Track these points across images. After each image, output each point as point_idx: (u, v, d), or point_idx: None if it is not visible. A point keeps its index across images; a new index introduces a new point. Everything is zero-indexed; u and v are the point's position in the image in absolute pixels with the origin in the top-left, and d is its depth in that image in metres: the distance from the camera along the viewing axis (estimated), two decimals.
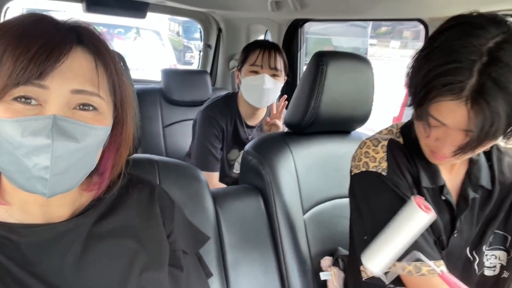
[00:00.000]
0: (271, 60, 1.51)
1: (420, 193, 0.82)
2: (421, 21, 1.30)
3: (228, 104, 1.62)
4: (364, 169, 0.83)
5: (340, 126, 1.21)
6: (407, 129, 0.87)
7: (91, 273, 0.63)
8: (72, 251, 0.63)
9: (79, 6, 2.16)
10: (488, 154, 0.86)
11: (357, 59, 1.15)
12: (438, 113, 0.69)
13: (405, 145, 0.85)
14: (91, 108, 0.57)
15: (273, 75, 1.53)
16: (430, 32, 1.28)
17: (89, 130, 0.56)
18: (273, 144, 1.12)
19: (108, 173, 0.68)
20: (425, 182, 0.82)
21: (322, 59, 1.07)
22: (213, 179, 1.53)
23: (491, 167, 0.84)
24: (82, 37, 0.58)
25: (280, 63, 1.54)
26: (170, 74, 2.22)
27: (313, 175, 1.14)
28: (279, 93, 1.58)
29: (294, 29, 2.01)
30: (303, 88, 1.11)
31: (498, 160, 0.85)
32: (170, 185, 0.89)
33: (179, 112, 2.20)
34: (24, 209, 0.61)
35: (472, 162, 0.84)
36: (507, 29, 0.65)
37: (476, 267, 0.82)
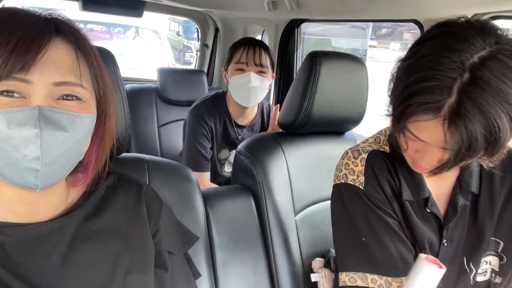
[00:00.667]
0: (255, 56, 1.50)
1: (402, 205, 0.80)
2: (416, 22, 1.30)
3: (217, 104, 1.60)
4: (343, 181, 0.83)
5: (334, 127, 1.21)
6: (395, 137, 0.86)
7: (75, 274, 0.63)
8: (57, 252, 0.62)
9: (76, 5, 2.15)
10: None
11: (351, 59, 1.14)
12: (415, 130, 0.65)
13: (390, 154, 0.82)
14: (74, 98, 0.57)
15: (259, 72, 1.52)
16: None
17: (75, 118, 0.56)
18: (266, 145, 1.11)
19: (92, 165, 0.67)
20: (407, 195, 0.79)
21: (315, 59, 1.06)
22: (204, 179, 1.52)
23: (480, 172, 0.82)
24: (60, 28, 0.57)
25: (266, 60, 1.53)
26: (166, 73, 2.21)
27: (306, 176, 1.13)
28: (267, 90, 1.57)
29: (291, 30, 2.01)
30: (297, 88, 1.10)
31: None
32: (160, 185, 0.88)
33: (174, 111, 2.19)
34: (10, 208, 0.60)
35: (463, 168, 0.81)
36: (494, 41, 0.60)
37: (471, 277, 0.81)
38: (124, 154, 0.91)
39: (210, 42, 2.56)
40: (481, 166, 0.82)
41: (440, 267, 0.68)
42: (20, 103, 0.52)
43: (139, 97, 2.12)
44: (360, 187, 0.80)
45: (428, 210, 0.79)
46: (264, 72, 1.53)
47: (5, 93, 0.51)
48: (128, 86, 2.16)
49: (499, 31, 0.62)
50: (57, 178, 0.58)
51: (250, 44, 1.52)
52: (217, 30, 2.48)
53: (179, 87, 2.19)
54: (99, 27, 6.24)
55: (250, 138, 1.17)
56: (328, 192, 1.18)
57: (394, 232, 0.77)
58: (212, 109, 1.59)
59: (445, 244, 0.80)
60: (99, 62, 0.63)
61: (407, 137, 0.69)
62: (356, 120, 1.20)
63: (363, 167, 0.81)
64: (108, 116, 0.67)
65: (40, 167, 0.52)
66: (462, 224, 0.80)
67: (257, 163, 1.06)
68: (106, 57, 0.81)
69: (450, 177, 0.82)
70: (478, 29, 0.61)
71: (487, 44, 0.59)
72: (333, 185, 0.87)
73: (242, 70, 1.51)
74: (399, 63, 0.68)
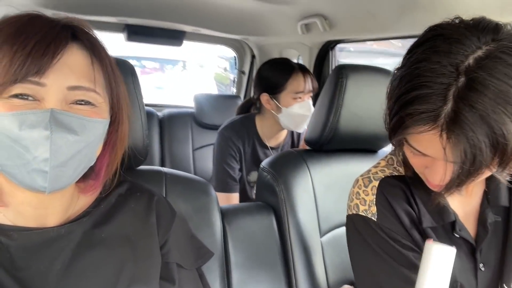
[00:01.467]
0: (309, 83, 1.49)
1: (422, 234, 0.71)
2: None
3: (245, 125, 1.59)
4: (355, 212, 0.75)
5: (364, 143, 1.14)
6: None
7: (77, 282, 0.61)
8: (61, 258, 0.61)
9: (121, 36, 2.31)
10: None
11: (379, 72, 1.08)
12: (415, 143, 0.58)
13: (405, 177, 0.74)
14: (87, 103, 0.57)
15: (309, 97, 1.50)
16: None
17: (87, 123, 0.56)
18: (290, 161, 1.07)
19: (103, 172, 0.67)
20: (428, 221, 0.70)
21: (341, 71, 1.02)
22: (232, 200, 1.49)
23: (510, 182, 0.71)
24: (77, 34, 0.59)
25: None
26: (203, 98, 2.27)
27: (333, 195, 1.06)
28: None
29: (325, 52, 1.98)
30: (323, 102, 1.06)
31: None
32: (176, 197, 0.87)
33: (209, 135, 2.22)
34: (19, 211, 0.60)
35: (489, 180, 0.71)
36: (491, 38, 0.53)
37: None
38: (143, 166, 0.91)
39: (247, 69, 2.60)
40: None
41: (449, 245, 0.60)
42: (33, 105, 0.53)
43: (176, 121, 2.18)
44: (373, 218, 0.72)
45: (457, 235, 0.70)
46: (311, 96, 1.51)
47: (20, 96, 0.52)
48: (165, 110, 2.23)
49: (497, 26, 0.54)
50: (66, 182, 0.57)
51: (305, 71, 1.50)
52: (253, 56, 2.52)
53: (214, 112, 2.23)
54: (151, 63, 6.71)
55: (274, 155, 1.13)
56: None
57: (412, 267, 0.68)
58: (241, 130, 1.58)
59: (482, 269, 0.69)
60: (114, 69, 0.64)
61: (411, 152, 0.61)
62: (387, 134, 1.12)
63: (374, 196, 0.73)
64: (121, 122, 0.66)
65: (49, 169, 0.52)
66: (496, 243, 0.70)
67: (279, 179, 1.01)
68: (125, 68, 0.83)
69: (476, 192, 0.72)
70: (472, 27, 0.55)
71: (483, 43, 0.52)
72: (346, 215, 0.80)
73: (299, 99, 1.49)
74: (394, 74, 0.62)
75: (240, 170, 1.58)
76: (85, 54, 0.58)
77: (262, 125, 1.59)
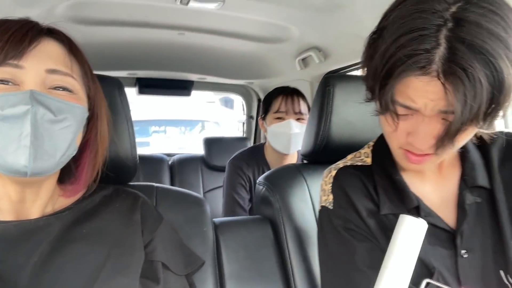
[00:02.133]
0: (295, 105, 1.51)
1: (382, 222, 0.67)
2: None
3: (255, 154, 1.60)
4: (321, 205, 0.75)
5: None
6: (379, 143, 0.77)
7: (56, 276, 0.60)
8: (39, 251, 0.60)
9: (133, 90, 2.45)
10: (479, 151, 0.70)
11: None
12: (406, 97, 0.56)
13: (370, 167, 0.73)
14: (65, 89, 0.60)
15: (298, 119, 1.51)
16: None
17: (65, 106, 0.57)
18: (285, 173, 1.05)
19: (84, 172, 0.68)
20: (386, 208, 0.67)
21: (328, 80, 1.04)
22: None
23: (486, 164, 0.68)
24: (54, 31, 0.63)
25: (304, 107, 1.53)
26: (212, 142, 2.31)
27: None
28: None
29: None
30: (313, 113, 1.07)
31: (490, 153, 0.69)
32: (167, 208, 0.86)
33: (219, 178, 2.21)
34: None
35: (463, 162, 0.69)
36: None
37: None
38: (134, 183, 0.91)
39: (254, 113, 2.67)
40: (485, 158, 0.69)
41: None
42: (13, 89, 0.55)
43: (186, 165, 2.21)
44: (329, 207, 0.71)
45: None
46: (303, 119, 1.53)
47: (0, 82, 0.55)
48: (175, 156, 2.27)
49: None
50: (49, 165, 0.56)
51: (287, 93, 1.55)
52: (259, 100, 2.60)
53: (224, 154, 2.25)
54: (179, 128, 7.06)
55: (270, 170, 1.12)
56: None
57: (365, 256, 0.65)
58: (250, 160, 1.59)
59: (464, 256, 0.63)
60: (90, 68, 0.68)
61: (397, 116, 0.59)
62: None
63: (331, 185, 0.72)
64: (99, 119, 0.69)
65: (29, 144, 0.53)
66: (482, 228, 0.64)
67: (274, 189, 0.99)
68: (112, 84, 0.87)
69: (452, 175, 0.69)
70: None
71: None
72: None
73: (281, 118, 1.52)
74: (370, 40, 0.62)
75: (251, 200, 1.55)
76: (61, 45, 0.62)
77: (268, 153, 1.59)
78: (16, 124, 0.53)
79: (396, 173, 0.69)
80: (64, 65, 0.60)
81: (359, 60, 1.62)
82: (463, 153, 0.69)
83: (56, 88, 0.59)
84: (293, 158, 1.60)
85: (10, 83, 0.56)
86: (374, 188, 0.70)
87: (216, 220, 0.92)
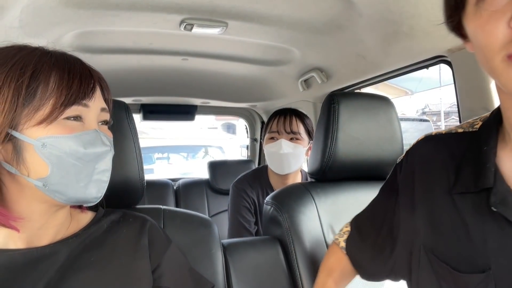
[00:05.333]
0: (286, 124, 1.51)
1: (453, 201, 0.57)
2: (444, 61, 1.25)
3: (258, 177, 1.59)
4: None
5: (371, 170, 1.10)
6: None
7: None
8: (47, 280, 0.59)
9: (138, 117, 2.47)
10: None
11: (373, 97, 1.10)
12: None
13: (476, 134, 0.60)
14: (106, 123, 0.66)
15: (292, 139, 1.50)
16: (455, 69, 1.20)
17: (111, 141, 0.64)
18: (293, 192, 1.04)
19: None
20: (461, 185, 0.56)
21: (333, 98, 1.05)
22: None
23: None
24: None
25: (298, 127, 1.52)
26: (216, 165, 2.30)
27: (343, 223, 0.99)
28: (302, 157, 1.52)
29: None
30: (319, 131, 1.07)
31: None
32: (174, 231, 0.85)
33: (225, 201, 2.19)
34: (10, 233, 0.60)
35: None
36: None
37: None
38: (141, 206, 0.91)
39: (258, 135, 2.67)
40: None
41: None
42: (82, 126, 0.60)
43: (191, 189, 2.20)
44: (398, 160, 0.71)
45: (494, 209, 0.52)
46: (297, 139, 1.52)
47: (72, 118, 0.59)
48: (181, 180, 2.26)
49: None
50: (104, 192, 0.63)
51: (281, 114, 1.56)
52: (263, 123, 2.61)
53: (229, 177, 2.24)
54: (176, 156, 7.09)
55: (277, 189, 1.11)
56: None
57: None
58: (254, 182, 1.57)
59: None
60: None
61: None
62: (395, 159, 1.09)
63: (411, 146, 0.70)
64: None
65: (106, 178, 0.61)
66: None
67: (283, 209, 0.97)
68: (120, 107, 0.88)
69: None
70: None
71: None
72: None
73: (274, 138, 1.53)
74: None
75: (256, 223, 1.53)
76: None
77: (270, 175, 1.58)
78: (99, 161, 0.59)
79: (489, 144, 0.55)
80: (105, 103, 0.65)
81: (361, 79, 1.65)
82: None
83: (101, 122, 0.65)
84: (295, 179, 1.59)
85: (78, 119, 0.60)
86: (460, 159, 0.59)
87: (224, 241, 0.90)
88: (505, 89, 0.48)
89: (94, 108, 0.62)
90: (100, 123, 0.64)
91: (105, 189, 0.62)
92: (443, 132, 0.66)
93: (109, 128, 0.68)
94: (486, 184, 0.53)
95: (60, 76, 0.57)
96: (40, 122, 0.55)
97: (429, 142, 0.66)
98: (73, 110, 0.58)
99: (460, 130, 0.63)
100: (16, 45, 0.61)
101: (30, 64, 0.56)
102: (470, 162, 0.57)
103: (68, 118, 0.58)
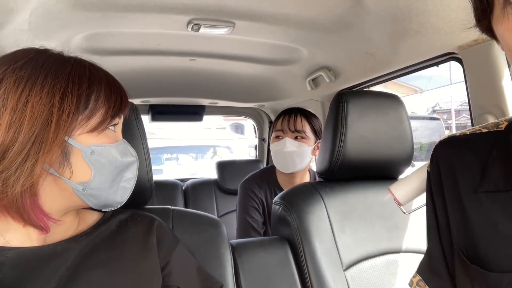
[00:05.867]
0: (291, 123, 1.51)
1: (479, 200, 0.57)
2: (454, 58, 1.23)
3: (266, 176, 1.58)
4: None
5: (380, 169, 1.09)
6: None
7: None
8: (58, 278, 0.59)
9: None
10: None
11: (382, 95, 1.09)
12: None
13: (501, 133, 0.59)
14: None
15: (297, 138, 1.50)
16: (466, 66, 1.18)
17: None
18: (301, 191, 1.03)
19: None
20: (489, 184, 0.55)
21: (341, 97, 1.04)
22: None
23: None
24: None
25: (304, 125, 1.52)
26: (225, 165, 2.30)
27: (352, 224, 0.99)
28: (307, 155, 1.51)
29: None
30: (327, 129, 1.06)
31: None
32: (183, 231, 0.85)
33: (234, 201, 2.19)
34: (22, 232, 0.61)
35: None
36: None
37: None
38: (150, 206, 0.91)
39: (266, 135, 2.67)
40: None
41: None
42: (116, 137, 0.65)
43: (199, 190, 2.20)
44: (428, 169, 0.66)
45: None
46: (302, 138, 1.51)
47: (111, 127, 0.63)
48: (189, 181, 2.27)
49: None
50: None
51: (287, 113, 1.55)
52: (271, 122, 2.60)
53: (237, 177, 2.24)
54: (184, 156, 7.13)
55: (286, 189, 1.10)
56: (387, 244, 1.00)
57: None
58: (261, 182, 1.57)
59: None
60: None
61: None
62: (405, 159, 1.08)
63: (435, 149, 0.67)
64: None
65: (131, 186, 0.66)
66: None
67: (291, 208, 0.97)
68: (130, 108, 0.88)
69: None
70: None
71: None
72: None
73: (279, 137, 1.52)
74: None
75: (264, 223, 1.52)
76: None
77: (278, 174, 1.57)
78: (126, 171, 0.65)
79: None
80: None
81: (370, 77, 1.63)
82: None
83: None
84: (303, 178, 1.58)
85: (113, 130, 0.64)
86: (486, 160, 0.58)
87: (233, 241, 0.90)
88: None
89: (121, 119, 0.67)
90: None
91: (128, 195, 0.66)
92: (467, 133, 0.65)
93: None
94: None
95: (109, 88, 0.62)
96: (92, 130, 0.59)
97: (453, 143, 0.65)
98: (115, 121, 0.64)
99: (484, 130, 0.63)
100: (48, 50, 0.63)
101: (84, 74, 0.60)
102: (499, 161, 0.56)
103: (108, 127, 0.62)
